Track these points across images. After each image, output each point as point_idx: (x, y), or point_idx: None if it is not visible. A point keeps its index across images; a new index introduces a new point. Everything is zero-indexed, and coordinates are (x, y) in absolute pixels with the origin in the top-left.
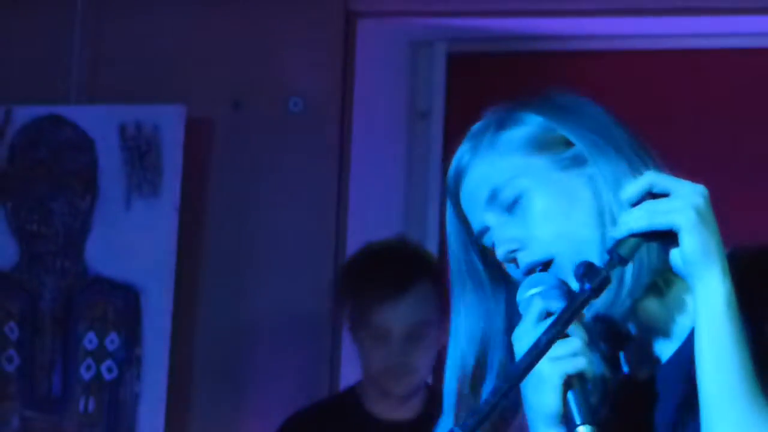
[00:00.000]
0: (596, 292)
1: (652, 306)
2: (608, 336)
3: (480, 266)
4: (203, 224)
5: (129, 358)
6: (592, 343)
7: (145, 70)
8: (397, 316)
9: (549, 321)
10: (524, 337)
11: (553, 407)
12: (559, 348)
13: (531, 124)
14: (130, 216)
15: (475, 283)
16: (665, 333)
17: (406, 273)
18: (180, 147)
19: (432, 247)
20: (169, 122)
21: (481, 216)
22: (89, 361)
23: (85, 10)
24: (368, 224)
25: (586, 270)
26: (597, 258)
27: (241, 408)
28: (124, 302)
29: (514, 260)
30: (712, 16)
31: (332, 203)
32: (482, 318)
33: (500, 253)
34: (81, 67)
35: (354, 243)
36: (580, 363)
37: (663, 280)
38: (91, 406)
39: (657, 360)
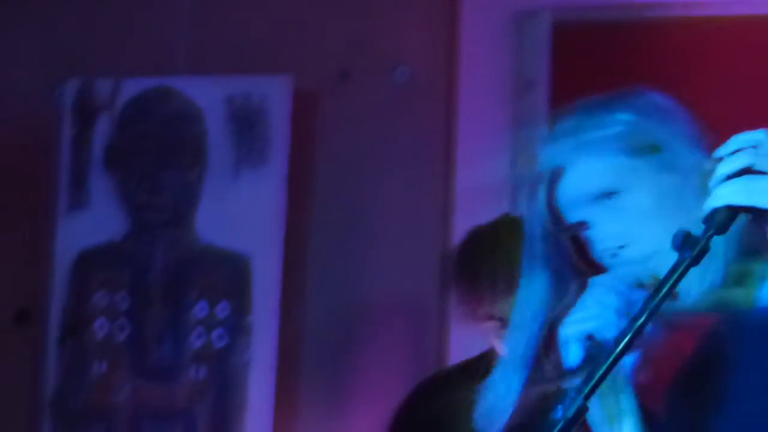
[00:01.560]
0: (696, 260)
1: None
2: None
3: (550, 253)
4: (311, 194)
5: (239, 327)
6: None
7: (251, 40)
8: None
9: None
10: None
11: None
12: None
13: (628, 124)
14: (239, 186)
15: (542, 265)
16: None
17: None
18: (287, 117)
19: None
20: (276, 93)
21: (580, 211)
22: (200, 329)
23: None
24: (475, 198)
25: (685, 239)
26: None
27: (349, 377)
28: (233, 271)
29: (614, 255)
30: None
31: (439, 174)
32: (546, 295)
33: (601, 248)
34: (189, 38)
35: (461, 218)
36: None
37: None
38: (201, 374)
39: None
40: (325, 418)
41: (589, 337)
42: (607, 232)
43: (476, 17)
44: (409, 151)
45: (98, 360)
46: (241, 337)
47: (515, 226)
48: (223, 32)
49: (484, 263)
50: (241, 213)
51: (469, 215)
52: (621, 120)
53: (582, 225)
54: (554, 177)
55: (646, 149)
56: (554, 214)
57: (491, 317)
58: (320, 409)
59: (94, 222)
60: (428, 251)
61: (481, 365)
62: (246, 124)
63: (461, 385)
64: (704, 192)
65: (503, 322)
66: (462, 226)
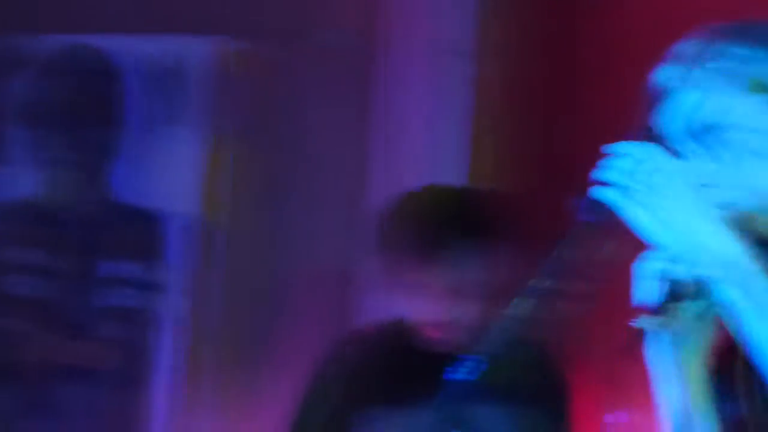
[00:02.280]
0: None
1: None
2: None
3: None
4: (228, 155)
5: (151, 286)
6: None
7: (174, 1)
8: (439, 274)
9: None
10: None
11: None
12: None
13: (746, 59)
14: (156, 145)
15: None
16: None
17: (447, 229)
18: (208, 77)
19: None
20: (196, 53)
21: (681, 142)
22: (112, 287)
23: None
24: (396, 164)
25: (590, 204)
26: None
27: (264, 338)
28: (148, 230)
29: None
30: None
31: (361, 139)
32: None
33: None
34: None
35: (382, 184)
36: None
37: None
38: (112, 332)
39: None
40: (237, 379)
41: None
42: (701, 170)
43: None
44: (333, 114)
45: (9, 317)
46: (153, 297)
47: (442, 195)
48: None
49: (410, 231)
50: (157, 172)
51: (389, 181)
52: (738, 54)
53: (684, 153)
54: (661, 98)
55: (761, 87)
56: (654, 136)
57: (411, 283)
58: (232, 370)
59: (9, 178)
60: (348, 215)
61: (394, 329)
62: (165, 84)
63: (376, 346)
64: None
65: (422, 289)
66: (382, 192)
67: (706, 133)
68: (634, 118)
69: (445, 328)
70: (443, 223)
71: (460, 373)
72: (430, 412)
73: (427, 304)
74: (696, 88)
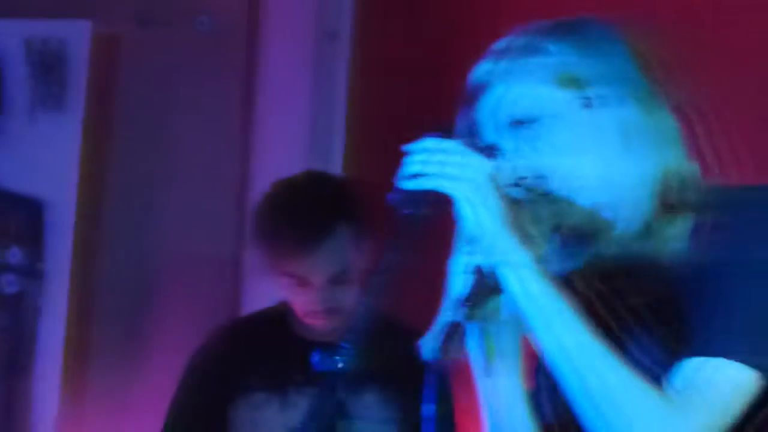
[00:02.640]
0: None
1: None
2: None
3: None
4: (108, 141)
5: (31, 273)
6: None
7: None
8: (316, 265)
9: None
10: None
11: None
12: None
13: (558, 55)
14: (35, 130)
15: None
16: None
17: (322, 220)
18: (85, 62)
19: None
20: (74, 37)
21: (495, 135)
22: None
23: None
24: (275, 149)
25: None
26: (619, 195)
27: (145, 325)
28: (27, 216)
29: (519, 185)
30: None
31: (239, 125)
32: None
33: (508, 176)
34: None
35: (261, 170)
36: None
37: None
38: None
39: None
40: (118, 366)
41: (478, 270)
42: (516, 162)
43: None
44: (209, 100)
45: None
46: (33, 284)
47: (316, 182)
48: None
49: (282, 220)
50: (36, 157)
51: (268, 167)
52: (551, 50)
53: (492, 148)
54: (477, 93)
55: (570, 82)
56: (471, 130)
57: (287, 273)
58: (113, 357)
59: None
60: (226, 202)
61: (275, 316)
62: (44, 68)
63: (255, 333)
64: (627, 132)
65: (299, 279)
66: (261, 177)
67: (518, 126)
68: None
69: (324, 316)
70: (316, 213)
71: (336, 361)
72: (312, 401)
73: (304, 293)
74: (506, 83)
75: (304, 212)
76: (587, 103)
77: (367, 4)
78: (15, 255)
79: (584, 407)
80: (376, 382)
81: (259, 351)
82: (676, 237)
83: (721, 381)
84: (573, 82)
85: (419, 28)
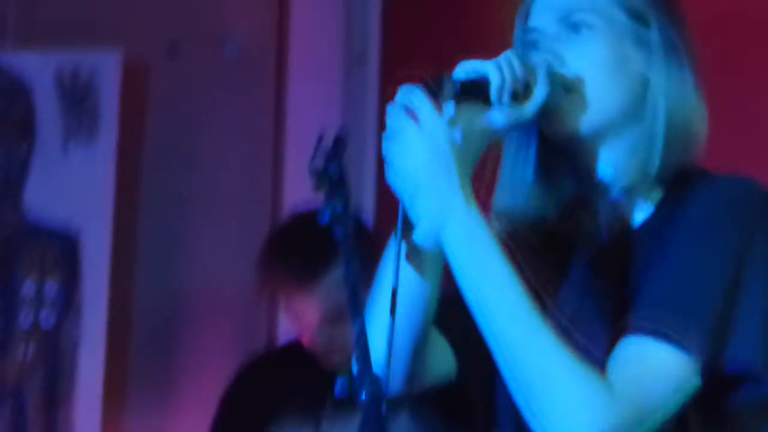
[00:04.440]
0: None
1: None
2: None
3: None
4: (140, 170)
5: (68, 306)
6: None
7: (80, 13)
8: (310, 306)
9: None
10: None
11: None
12: None
13: None
14: (68, 163)
15: None
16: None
17: (315, 262)
18: (116, 93)
19: (369, 196)
20: (105, 68)
21: (544, 19)
22: (27, 309)
23: None
24: (306, 177)
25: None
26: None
27: (179, 357)
28: (62, 249)
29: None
30: None
31: (269, 152)
32: None
33: (539, 58)
34: (15, 13)
35: (291, 198)
36: None
37: None
38: (30, 353)
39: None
40: (154, 399)
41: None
42: (549, 47)
43: None
44: (239, 126)
45: None
46: (70, 317)
47: (309, 224)
48: (51, 6)
49: (275, 264)
50: (69, 190)
51: (300, 191)
52: None
53: (534, 31)
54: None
55: (638, 17)
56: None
57: (295, 311)
58: (150, 390)
59: None
60: (259, 227)
61: (300, 349)
62: (75, 100)
63: (283, 366)
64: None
65: (297, 319)
66: (293, 202)
67: (566, 25)
68: None
69: (323, 354)
70: (316, 253)
71: (359, 391)
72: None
73: (308, 329)
74: None
75: (296, 252)
76: (639, 41)
77: (394, 26)
78: (52, 288)
79: (509, 373)
80: (405, 405)
81: (291, 382)
82: (645, 208)
83: (654, 364)
84: (638, 17)
85: (447, 50)
